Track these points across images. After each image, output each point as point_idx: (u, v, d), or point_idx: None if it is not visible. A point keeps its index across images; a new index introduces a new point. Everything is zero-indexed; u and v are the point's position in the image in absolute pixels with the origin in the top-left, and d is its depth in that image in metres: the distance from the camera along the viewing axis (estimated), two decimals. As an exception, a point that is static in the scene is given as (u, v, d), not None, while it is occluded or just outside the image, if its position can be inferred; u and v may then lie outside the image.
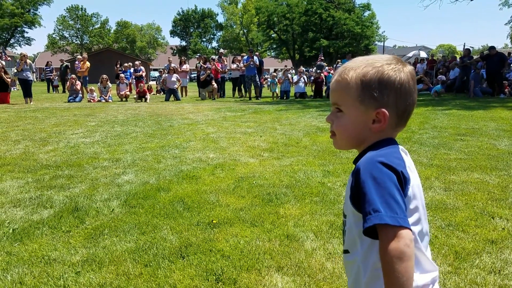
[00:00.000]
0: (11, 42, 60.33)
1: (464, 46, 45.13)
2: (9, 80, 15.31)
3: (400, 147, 1.09)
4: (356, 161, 1.10)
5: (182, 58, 20.19)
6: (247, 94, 17.08)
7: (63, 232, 3.05)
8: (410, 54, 31.78)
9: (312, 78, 19.36)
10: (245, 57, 17.03)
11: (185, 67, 19.18)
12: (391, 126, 1.08)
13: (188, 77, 20.06)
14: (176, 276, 2.39)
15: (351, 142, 1.13)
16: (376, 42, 56.58)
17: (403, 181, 0.97)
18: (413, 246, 0.92)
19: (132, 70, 19.29)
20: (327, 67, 22.86)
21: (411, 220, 0.98)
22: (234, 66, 18.25)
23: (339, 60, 26.54)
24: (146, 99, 16.24)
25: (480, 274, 2.36)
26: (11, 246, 2.81)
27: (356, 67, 1.09)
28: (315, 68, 20.02)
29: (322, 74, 18.56)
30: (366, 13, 52.89)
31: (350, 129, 1.10)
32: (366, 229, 0.93)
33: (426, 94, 17.00)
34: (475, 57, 18.10)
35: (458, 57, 22.61)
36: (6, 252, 2.72)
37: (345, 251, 1.11)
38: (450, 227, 3.01)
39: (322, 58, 25.36)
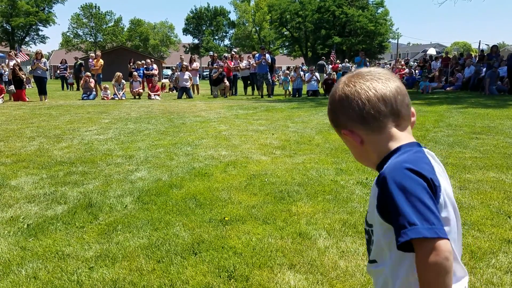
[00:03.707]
0: (26, 40, 61.08)
1: (479, 43, 44.47)
2: (24, 77, 15.52)
3: (426, 150, 1.04)
4: (378, 167, 1.06)
5: (192, 56, 20.12)
6: (259, 92, 17.05)
7: (77, 227, 3.07)
8: (421, 52, 31.55)
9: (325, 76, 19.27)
10: (257, 55, 17.00)
11: (195, 65, 19.18)
12: (379, 131, 1.04)
13: (198, 75, 20.04)
14: (188, 273, 2.39)
15: (365, 164, 1.15)
16: (390, 40, 56.09)
17: (433, 188, 0.92)
18: (452, 257, 0.88)
19: (143, 68, 19.37)
20: (330, 66, 22.69)
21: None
22: (242, 64, 18.21)
23: (347, 60, 26.17)
24: (155, 97, 16.29)
25: (496, 274, 2.32)
26: (26, 241, 2.84)
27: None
28: (314, 67, 19.87)
29: (334, 75, 18.47)
30: (380, 10, 52.44)
31: (356, 156, 1.15)
32: (401, 244, 0.89)
33: (440, 92, 16.84)
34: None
35: (473, 54, 22.31)
36: (20, 247, 2.75)
37: (372, 261, 1.07)
38: (465, 226, 2.97)
39: (323, 58, 25.09)
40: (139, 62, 19.65)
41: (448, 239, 0.88)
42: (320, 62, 23.12)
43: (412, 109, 1.10)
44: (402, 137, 1.04)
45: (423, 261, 0.87)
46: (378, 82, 1.04)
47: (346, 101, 1.05)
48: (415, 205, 0.88)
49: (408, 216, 0.87)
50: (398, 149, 1.02)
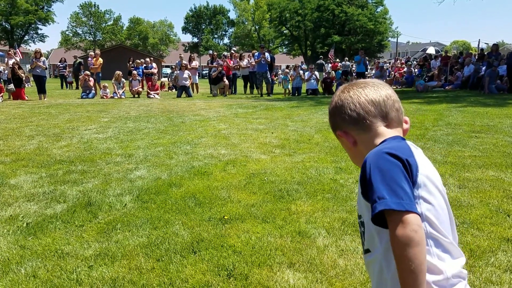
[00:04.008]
0: (25, 39, 60.94)
1: (479, 42, 44.48)
2: (23, 75, 15.49)
3: (409, 142, 1.11)
4: None
5: (191, 55, 20.09)
6: (259, 91, 17.04)
7: (76, 226, 3.07)
8: (421, 50, 31.62)
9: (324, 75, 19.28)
10: (256, 53, 16.97)
11: (195, 64, 19.14)
12: (371, 130, 1.14)
13: (197, 74, 19.98)
14: (188, 271, 2.39)
15: (360, 165, 1.20)
16: (390, 38, 56.07)
17: (408, 168, 0.99)
18: (422, 231, 0.93)
19: (143, 66, 19.35)
20: (330, 64, 22.69)
21: (424, 207, 1.00)
22: (243, 63, 18.18)
23: (347, 59, 26.16)
24: (154, 95, 16.24)
25: (495, 272, 2.32)
26: (25, 240, 2.84)
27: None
28: (314, 66, 19.90)
29: (333, 73, 18.49)
30: (379, 9, 52.43)
31: (352, 157, 1.27)
32: (373, 217, 0.95)
33: (439, 90, 16.84)
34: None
35: (473, 53, 22.32)
36: (20, 246, 2.75)
37: (366, 251, 1.11)
38: (464, 225, 2.97)
39: (321, 57, 25.18)
40: (139, 61, 19.63)
41: (418, 214, 0.93)
42: (319, 61, 23.13)
43: (406, 118, 1.20)
44: (389, 133, 1.13)
45: (392, 233, 0.93)
46: (370, 89, 1.16)
47: (341, 105, 1.18)
48: (387, 182, 0.95)
49: (379, 191, 0.95)
50: (383, 142, 1.11)
